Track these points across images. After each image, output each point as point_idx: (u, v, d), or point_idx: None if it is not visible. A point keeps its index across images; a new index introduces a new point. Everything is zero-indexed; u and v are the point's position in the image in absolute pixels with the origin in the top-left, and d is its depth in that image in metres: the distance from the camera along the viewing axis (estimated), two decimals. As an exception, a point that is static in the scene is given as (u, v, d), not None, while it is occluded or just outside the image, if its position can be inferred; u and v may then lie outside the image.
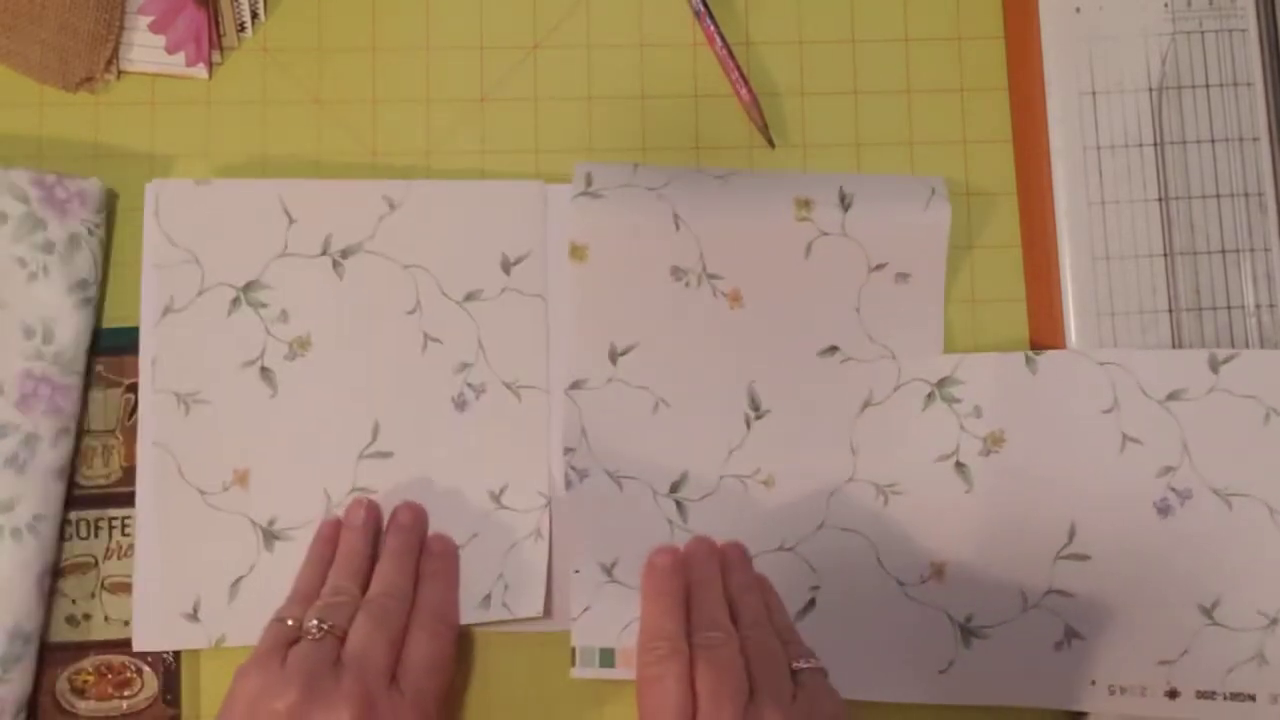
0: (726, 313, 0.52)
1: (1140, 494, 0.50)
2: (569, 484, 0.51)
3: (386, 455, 0.51)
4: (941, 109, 0.55)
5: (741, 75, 0.53)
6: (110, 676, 0.50)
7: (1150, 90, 0.53)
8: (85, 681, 0.50)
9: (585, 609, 0.50)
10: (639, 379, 0.51)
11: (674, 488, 0.51)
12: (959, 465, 0.51)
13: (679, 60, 0.55)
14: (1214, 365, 0.50)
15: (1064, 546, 0.50)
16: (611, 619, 0.50)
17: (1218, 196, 0.52)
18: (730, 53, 0.53)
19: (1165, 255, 0.52)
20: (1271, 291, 0.52)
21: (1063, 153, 0.52)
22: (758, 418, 0.52)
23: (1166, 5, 0.53)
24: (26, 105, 0.53)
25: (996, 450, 0.51)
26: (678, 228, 0.51)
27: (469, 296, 0.52)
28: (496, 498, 0.51)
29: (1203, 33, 0.53)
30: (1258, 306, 0.52)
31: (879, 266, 0.52)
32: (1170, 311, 0.52)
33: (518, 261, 0.52)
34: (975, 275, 0.54)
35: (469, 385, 0.51)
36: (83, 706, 0.50)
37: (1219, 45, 0.52)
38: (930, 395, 0.51)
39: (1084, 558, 0.50)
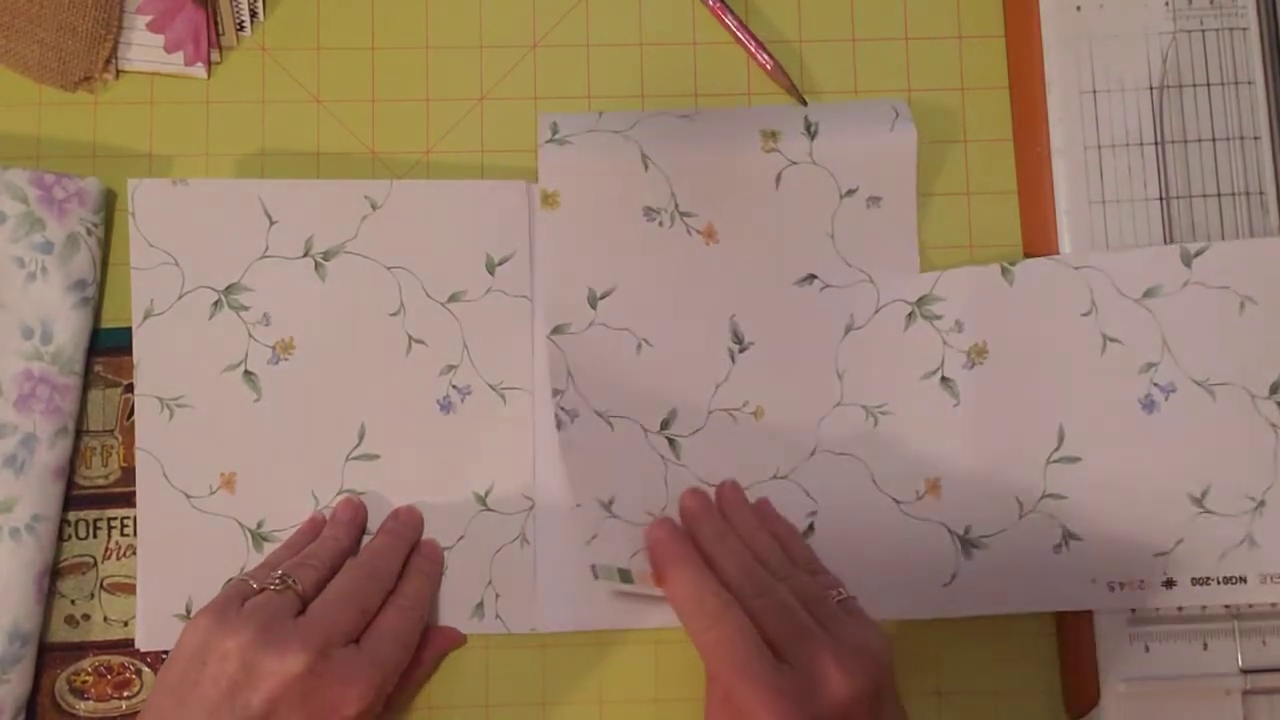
0: (702, 249, 0.52)
1: (1124, 392, 0.50)
2: (560, 425, 0.51)
3: (373, 458, 0.51)
4: (942, 108, 0.54)
5: (759, 43, 0.53)
6: (109, 677, 0.50)
7: (1151, 89, 0.52)
8: (84, 682, 0.50)
9: (594, 536, 0.50)
10: (620, 321, 0.51)
11: (664, 425, 0.51)
12: (945, 380, 0.51)
13: (679, 59, 0.54)
14: (1186, 259, 0.51)
15: (1054, 450, 0.50)
16: (617, 551, 0.50)
17: (1219, 195, 0.52)
18: (742, 23, 0.53)
19: (1166, 254, 0.52)
20: (1273, 290, 0.52)
21: (1063, 152, 0.52)
22: (741, 350, 0.52)
23: (1167, 4, 0.53)
24: (25, 105, 0.53)
25: (980, 362, 0.51)
26: (646, 168, 0.51)
27: (453, 298, 0.52)
28: (482, 499, 0.51)
29: (1204, 31, 0.52)
30: (1259, 306, 0.52)
31: (850, 192, 0.52)
32: (1171, 311, 0.52)
33: (503, 262, 0.52)
34: (976, 274, 0.53)
35: (454, 387, 0.51)
36: (82, 707, 0.50)
37: (1220, 44, 0.52)
38: (911, 314, 0.52)
39: (1075, 460, 0.50)
